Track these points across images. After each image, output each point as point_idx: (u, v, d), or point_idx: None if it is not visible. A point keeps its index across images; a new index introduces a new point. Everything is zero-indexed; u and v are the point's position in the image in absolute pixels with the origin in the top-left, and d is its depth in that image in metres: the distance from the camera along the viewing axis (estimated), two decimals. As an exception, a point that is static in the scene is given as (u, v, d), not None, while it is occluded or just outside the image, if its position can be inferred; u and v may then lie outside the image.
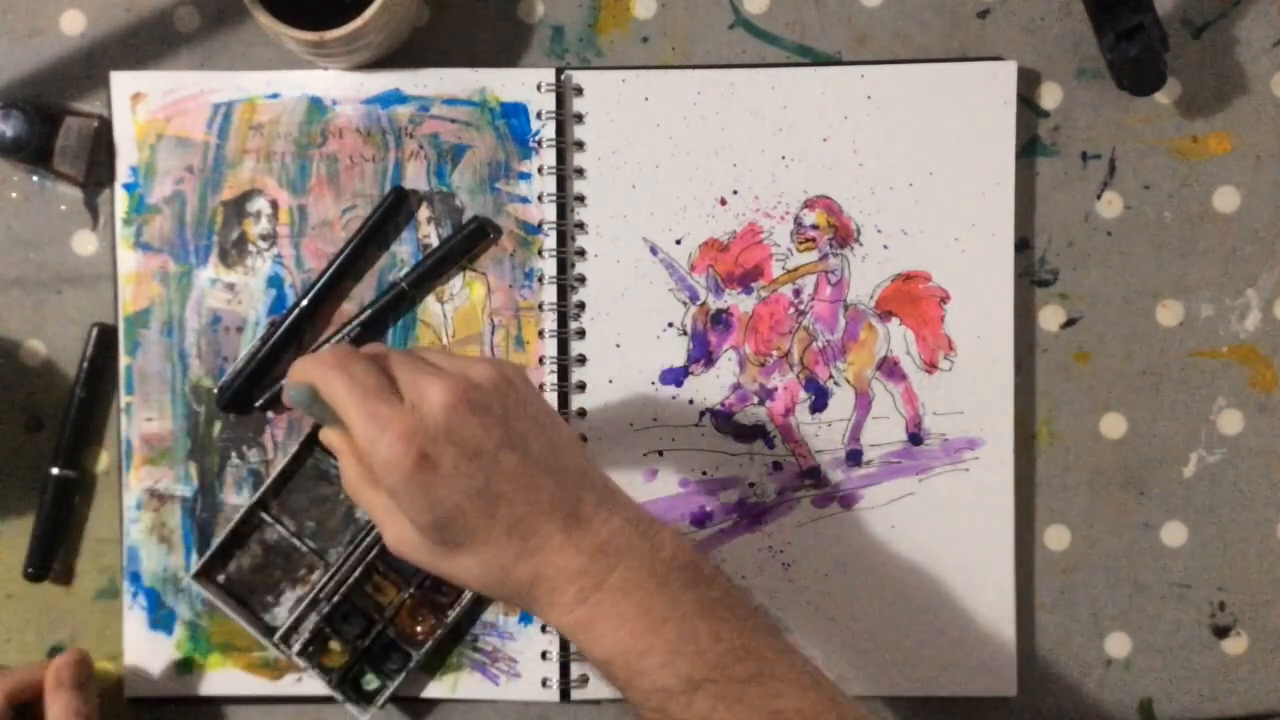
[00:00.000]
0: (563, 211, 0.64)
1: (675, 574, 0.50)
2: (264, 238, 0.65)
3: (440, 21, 0.65)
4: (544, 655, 0.64)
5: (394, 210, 0.64)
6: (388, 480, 0.48)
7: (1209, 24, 0.65)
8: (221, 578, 0.65)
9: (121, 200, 0.64)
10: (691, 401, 0.65)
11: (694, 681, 0.48)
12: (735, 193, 0.64)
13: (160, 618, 0.64)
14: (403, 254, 0.65)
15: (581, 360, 0.64)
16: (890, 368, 0.64)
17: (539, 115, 0.64)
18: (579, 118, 0.64)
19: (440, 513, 0.48)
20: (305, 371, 0.51)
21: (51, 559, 0.65)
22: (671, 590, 0.49)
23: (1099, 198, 0.65)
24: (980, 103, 0.64)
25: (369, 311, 0.64)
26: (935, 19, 0.65)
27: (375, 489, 0.51)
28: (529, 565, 0.49)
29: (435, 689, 0.65)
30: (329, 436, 0.53)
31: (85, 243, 0.65)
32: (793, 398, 0.65)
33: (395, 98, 0.64)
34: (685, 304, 0.64)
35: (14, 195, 0.65)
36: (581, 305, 0.64)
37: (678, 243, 0.64)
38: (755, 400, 0.65)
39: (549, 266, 0.64)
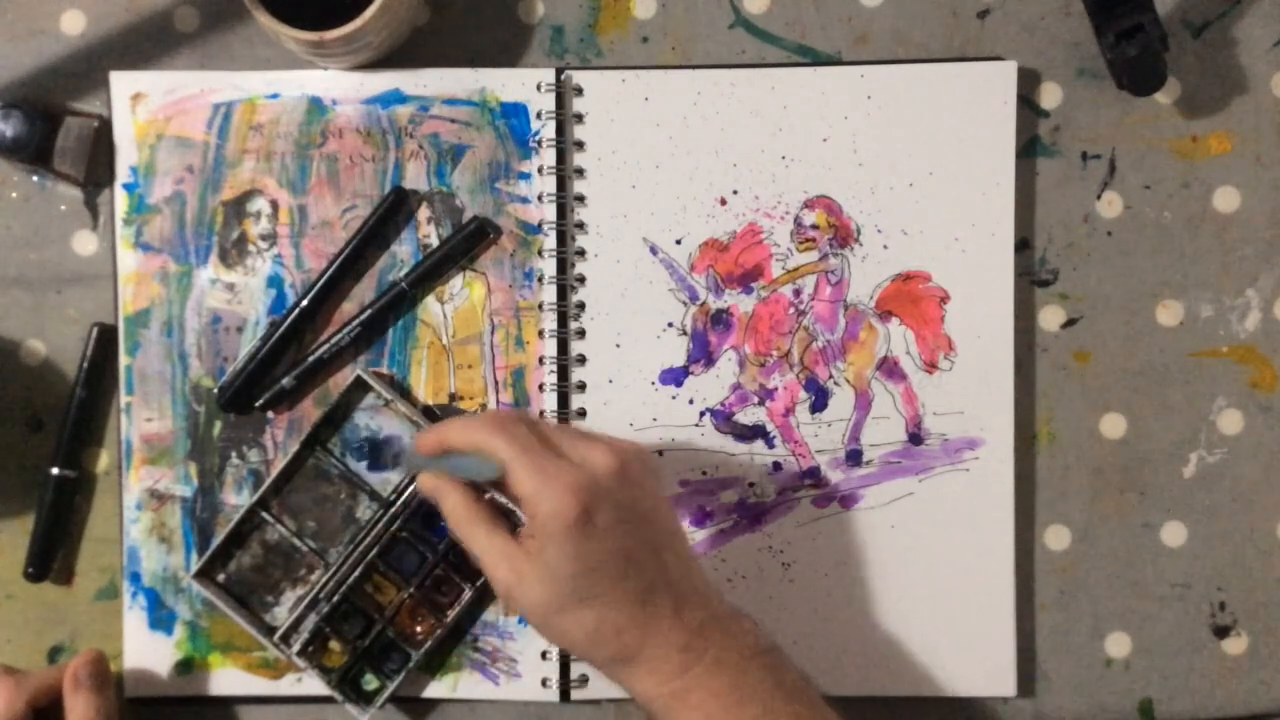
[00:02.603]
0: (563, 211, 0.64)
1: (759, 658, 0.54)
2: (264, 238, 0.65)
3: (440, 21, 0.65)
4: (544, 655, 0.64)
5: (394, 210, 0.64)
6: (547, 527, 0.51)
7: (1209, 24, 0.65)
8: (221, 578, 0.65)
9: (121, 200, 0.64)
10: (691, 401, 0.64)
11: None
12: (735, 193, 0.64)
13: (160, 618, 0.64)
14: (403, 254, 0.65)
15: (581, 360, 0.64)
16: (890, 368, 0.64)
17: (539, 115, 0.64)
18: (579, 118, 0.64)
19: (583, 565, 0.51)
20: (457, 435, 0.54)
21: (51, 559, 0.65)
22: (756, 672, 0.53)
23: (1099, 198, 0.65)
24: (980, 103, 0.64)
25: (369, 311, 0.64)
26: (935, 19, 0.65)
27: (492, 532, 0.54)
28: (641, 632, 0.52)
29: (435, 689, 0.65)
30: (426, 481, 0.55)
31: (85, 243, 0.65)
32: (793, 398, 0.65)
33: (395, 98, 0.64)
34: (685, 304, 0.64)
35: (14, 195, 0.65)
36: (581, 305, 0.64)
37: (678, 243, 0.64)
38: (755, 400, 0.64)
39: (549, 266, 0.64)
